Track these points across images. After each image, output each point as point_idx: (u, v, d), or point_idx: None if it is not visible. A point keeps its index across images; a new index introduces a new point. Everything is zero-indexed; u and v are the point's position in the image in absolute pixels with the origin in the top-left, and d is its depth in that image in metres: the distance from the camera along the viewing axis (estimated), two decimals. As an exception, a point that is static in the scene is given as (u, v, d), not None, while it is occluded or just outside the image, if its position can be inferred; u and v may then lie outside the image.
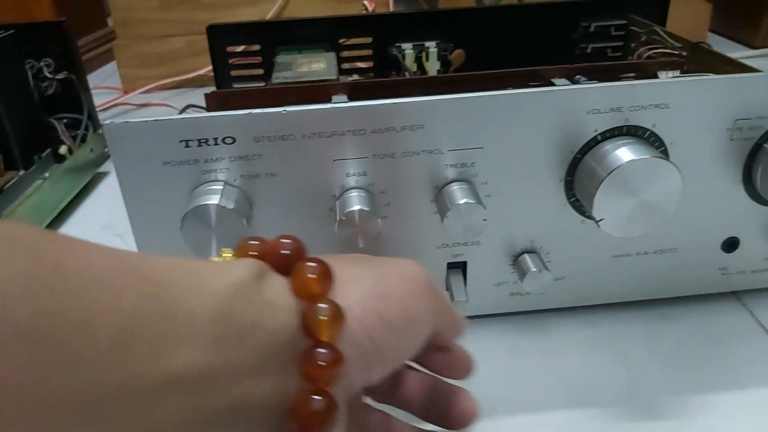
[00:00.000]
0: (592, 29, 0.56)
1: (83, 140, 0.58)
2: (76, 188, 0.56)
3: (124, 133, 0.30)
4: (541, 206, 0.34)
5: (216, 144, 0.30)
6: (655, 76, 0.45)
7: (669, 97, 0.32)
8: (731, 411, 0.32)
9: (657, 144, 0.33)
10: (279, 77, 0.47)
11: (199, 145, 0.30)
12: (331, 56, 0.52)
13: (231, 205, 0.30)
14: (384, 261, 0.24)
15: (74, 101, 0.58)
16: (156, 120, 0.29)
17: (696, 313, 0.38)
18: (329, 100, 0.43)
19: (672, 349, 0.36)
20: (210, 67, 0.55)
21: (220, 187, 0.31)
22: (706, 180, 0.35)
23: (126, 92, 0.82)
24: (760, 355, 0.35)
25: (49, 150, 0.56)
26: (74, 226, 0.52)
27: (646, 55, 0.50)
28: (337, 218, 0.31)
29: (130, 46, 0.83)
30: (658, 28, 0.51)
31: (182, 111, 0.69)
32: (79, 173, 0.57)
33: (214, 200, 0.29)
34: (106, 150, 0.61)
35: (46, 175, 0.53)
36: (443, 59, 0.55)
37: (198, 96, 0.59)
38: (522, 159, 0.33)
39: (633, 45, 0.55)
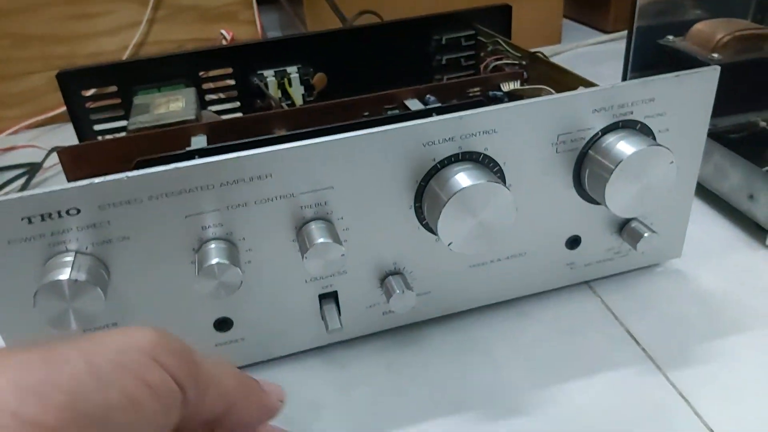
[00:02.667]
0: (443, 42, 0.59)
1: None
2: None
3: (-41, 217, 0.29)
4: (397, 232, 0.37)
5: (60, 216, 0.30)
6: (499, 88, 0.48)
7: (495, 124, 0.35)
8: (581, 398, 0.35)
9: (492, 165, 0.36)
10: (135, 122, 0.46)
11: (43, 220, 0.30)
12: (191, 92, 0.52)
13: (83, 277, 0.30)
14: (77, 340, 0.19)
15: None
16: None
17: (552, 307, 0.42)
18: (188, 143, 0.44)
19: (531, 344, 0.39)
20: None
21: (71, 259, 0.31)
22: (541, 190, 0.38)
23: (-11, 136, 0.78)
24: (606, 339, 0.39)
25: None
26: None
27: (492, 65, 0.54)
28: (196, 273, 0.32)
29: (-14, 88, 0.78)
30: (500, 39, 0.55)
31: (49, 153, 0.67)
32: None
33: (64, 275, 0.29)
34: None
35: None
36: (306, 83, 0.56)
37: (67, 132, 0.57)
38: (372, 192, 0.35)
39: (482, 54, 0.58)
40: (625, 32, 0.58)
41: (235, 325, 0.37)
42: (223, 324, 0.37)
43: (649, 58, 0.58)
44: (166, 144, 0.42)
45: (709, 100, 0.38)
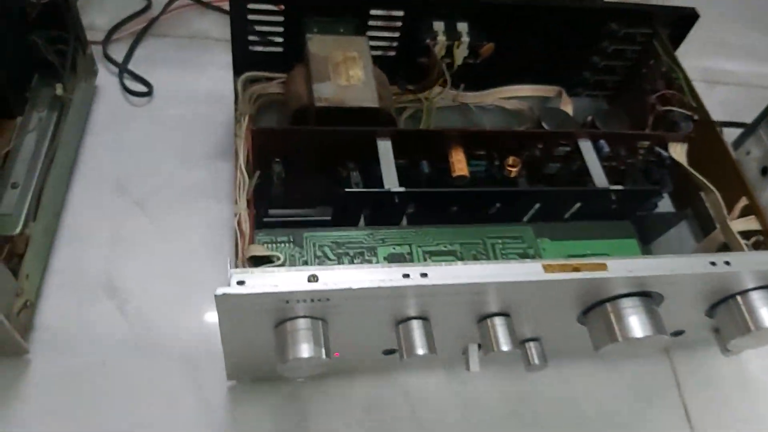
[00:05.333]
0: (615, 34, 0.56)
1: (73, 66, 0.53)
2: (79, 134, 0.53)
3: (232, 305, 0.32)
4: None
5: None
6: (666, 146, 0.49)
7: (672, 281, 0.38)
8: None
9: (658, 299, 0.40)
10: (320, 96, 0.45)
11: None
12: (363, 45, 0.49)
13: (322, 354, 0.34)
14: None
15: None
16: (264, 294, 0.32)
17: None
18: (374, 143, 0.44)
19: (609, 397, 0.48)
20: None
21: (308, 329, 0.35)
22: (682, 316, 0.43)
23: None
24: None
25: (36, 77, 0.51)
26: (84, 189, 0.51)
27: (658, 107, 0.53)
28: (402, 356, 0.37)
29: None
30: (681, 72, 0.53)
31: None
32: (79, 114, 0.53)
33: (309, 351, 0.34)
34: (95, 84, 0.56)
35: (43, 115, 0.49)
36: (472, 50, 0.54)
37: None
38: (544, 309, 0.39)
39: (644, 70, 0.56)
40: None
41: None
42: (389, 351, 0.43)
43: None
44: (355, 143, 0.43)
45: None
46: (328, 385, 0.44)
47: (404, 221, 0.45)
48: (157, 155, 0.54)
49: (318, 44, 0.49)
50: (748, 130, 0.62)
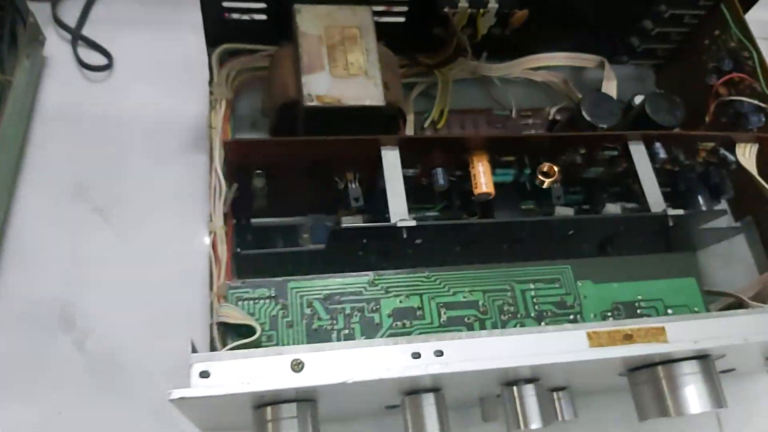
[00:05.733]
0: None
1: (13, 40, 0.43)
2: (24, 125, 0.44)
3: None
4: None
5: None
6: (734, 147, 0.41)
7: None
8: None
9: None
10: (311, 93, 0.36)
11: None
12: (365, 15, 0.39)
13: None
14: None
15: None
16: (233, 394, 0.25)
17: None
18: (378, 152, 0.36)
19: None
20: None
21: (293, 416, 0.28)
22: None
23: None
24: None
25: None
26: (32, 196, 0.43)
27: (721, 94, 0.44)
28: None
29: None
30: (753, 49, 0.43)
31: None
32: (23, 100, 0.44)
33: None
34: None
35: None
36: (501, 18, 0.44)
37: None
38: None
39: (706, 41, 0.46)
40: None
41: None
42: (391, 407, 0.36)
43: None
44: (355, 151, 0.36)
45: None
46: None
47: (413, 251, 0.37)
48: (120, 148, 0.45)
49: (309, 18, 0.39)
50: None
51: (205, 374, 0.27)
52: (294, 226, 0.42)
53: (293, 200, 0.41)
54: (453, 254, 0.40)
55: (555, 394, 0.37)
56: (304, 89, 0.36)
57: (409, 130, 0.47)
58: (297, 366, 0.27)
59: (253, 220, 0.42)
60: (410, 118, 0.47)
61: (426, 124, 0.47)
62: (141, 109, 0.47)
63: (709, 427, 0.43)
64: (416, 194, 0.40)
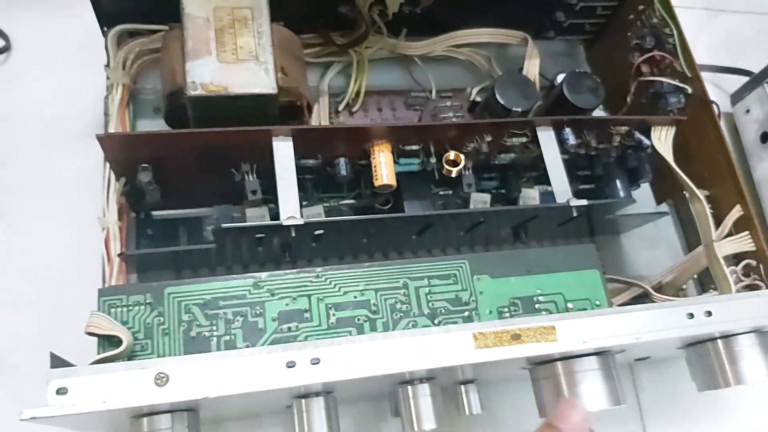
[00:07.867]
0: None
1: None
2: None
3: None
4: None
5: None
6: (648, 133, 0.40)
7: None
8: None
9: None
10: (196, 82, 0.34)
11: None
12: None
13: None
14: None
15: None
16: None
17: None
18: (269, 144, 0.34)
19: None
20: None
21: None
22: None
23: None
24: None
25: None
26: None
27: (643, 72, 0.42)
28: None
29: None
30: (676, 34, 0.41)
31: None
32: None
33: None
34: None
35: None
36: (411, -9, 0.42)
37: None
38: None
39: (631, 16, 0.45)
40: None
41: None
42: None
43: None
44: (247, 141, 0.34)
45: None
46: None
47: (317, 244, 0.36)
48: (15, 135, 0.43)
49: None
50: (752, 82, 0.51)
51: (62, 391, 0.25)
52: (199, 218, 0.41)
53: (198, 192, 0.39)
54: (360, 245, 0.39)
55: (462, 387, 0.36)
56: (188, 77, 0.34)
57: (323, 115, 0.45)
58: (161, 380, 0.25)
59: (155, 213, 0.40)
60: (324, 101, 0.45)
61: (341, 108, 0.45)
62: (39, 93, 0.44)
63: (629, 414, 0.43)
64: (327, 183, 0.39)
